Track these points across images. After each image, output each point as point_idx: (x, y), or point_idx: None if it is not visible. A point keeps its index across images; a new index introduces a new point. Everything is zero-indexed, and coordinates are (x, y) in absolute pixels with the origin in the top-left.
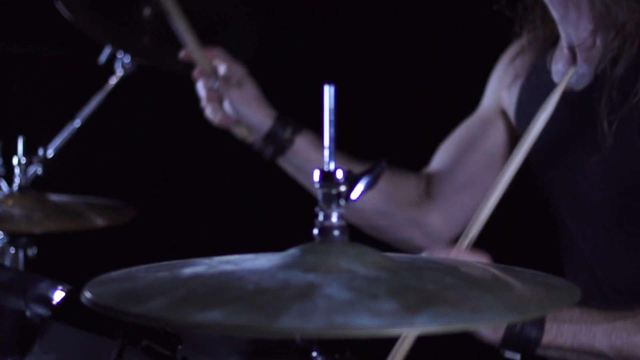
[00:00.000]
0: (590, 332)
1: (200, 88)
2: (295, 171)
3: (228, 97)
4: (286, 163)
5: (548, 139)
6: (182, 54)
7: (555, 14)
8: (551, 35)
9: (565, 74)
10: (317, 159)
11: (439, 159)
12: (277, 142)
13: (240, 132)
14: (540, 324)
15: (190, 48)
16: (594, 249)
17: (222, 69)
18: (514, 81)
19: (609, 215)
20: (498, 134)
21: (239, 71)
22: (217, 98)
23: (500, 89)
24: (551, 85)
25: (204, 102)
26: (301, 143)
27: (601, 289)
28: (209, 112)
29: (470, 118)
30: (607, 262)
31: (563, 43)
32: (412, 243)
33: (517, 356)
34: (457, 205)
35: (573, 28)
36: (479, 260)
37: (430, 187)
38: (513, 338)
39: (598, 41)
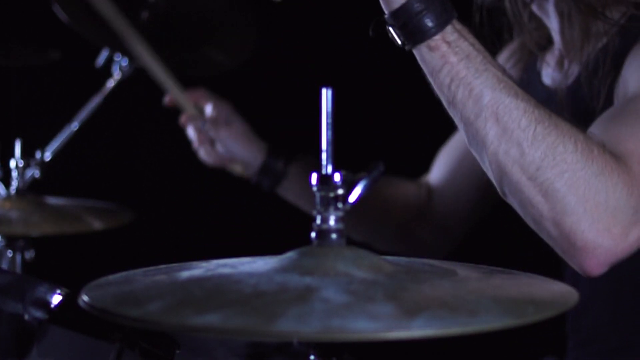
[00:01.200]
0: (484, 64)
1: (190, 132)
2: (294, 198)
3: (218, 137)
4: (284, 192)
5: None
6: (166, 100)
7: (547, 21)
8: (541, 38)
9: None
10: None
11: (438, 168)
12: (272, 173)
13: (236, 169)
14: (444, 22)
15: (174, 94)
16: None
17: (208, 109)
18: None
19: None
20: None
21: (226, 109)
22: (207, 140)
23: None
24: (541, 87)
25: (195, 145)
26: (296, 172)
27: (604, 291)
28: (202, 154)
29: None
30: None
31: (556, 45)
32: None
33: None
34: (451, 219)
35: (565, 34)
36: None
37: (425, 202)
38: (409, 14)
39: (588, 42)
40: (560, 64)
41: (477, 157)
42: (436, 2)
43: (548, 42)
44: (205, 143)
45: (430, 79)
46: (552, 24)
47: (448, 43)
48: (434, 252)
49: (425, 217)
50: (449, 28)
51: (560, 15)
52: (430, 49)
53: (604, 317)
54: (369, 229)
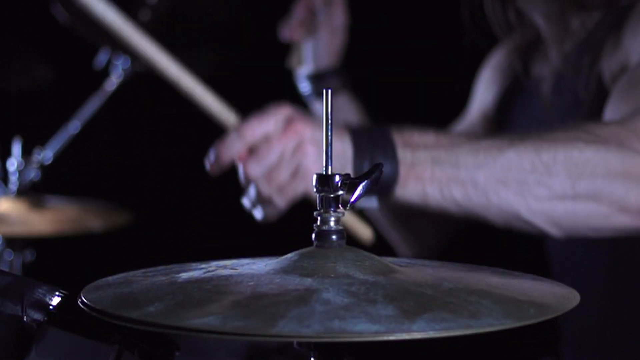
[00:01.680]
0: (453, 153)
1: (304, 6)
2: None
3: (320, 35)
4: (319, 108)
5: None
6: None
7: (533, 16)
8: (533, 37)
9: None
10: (355, 111)
11: None
12: (320, 84)
13: (294, 59)
14: (391, 154)
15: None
16: (578, 257)
17: (330, 4)
18: (497, 83)
19: None
20: None
21: (340, 19)
22: (308, 21)
23: (484, 95)
24: (528, 78)
25: (299, 17)
26: (345, 98)
27: (599, 291)
28: (296, 16)
29: (460, 124)
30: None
31: (545, 44)
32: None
33: (374, 202)
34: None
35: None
36: (275, 110)
37: None
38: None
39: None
40: (551, 61)
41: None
42: (374, 144)
43: (537, 42)
44: (305, 19)
45: (426, 205)
46: (537, 19)
47: (410, 166)
48: (434, 245)
49: (419, 217)
50: (399, 153)
51: (544, 10)
52: (403, 186)
53: (599, 316)
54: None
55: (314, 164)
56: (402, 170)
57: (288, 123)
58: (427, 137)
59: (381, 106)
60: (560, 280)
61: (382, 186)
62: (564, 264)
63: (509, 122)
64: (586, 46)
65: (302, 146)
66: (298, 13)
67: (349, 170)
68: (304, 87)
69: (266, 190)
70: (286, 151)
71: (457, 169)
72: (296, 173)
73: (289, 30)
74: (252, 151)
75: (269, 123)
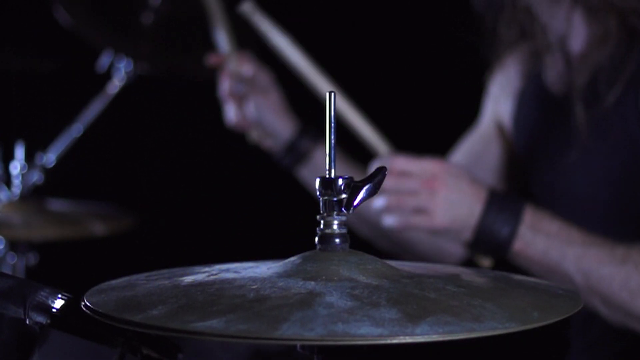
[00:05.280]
0: (562, 250)
1: (223, 85)
2: (311, 182)
3: (253, 101)
4: (304, 173)
5: (540, 142)
6: (211, 59)
7: (554, 25)
8: (543, 43)
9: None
10: (338, 171)
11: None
12: (296, 152)
13: (254, 136)
14: (514, 225)
15: (226, 49)
16: None
17: (249, 72)
18: (509, 91)
19: (609, 210)
20: (498, 150)
21: (266, 77)
22: (238, 100)
23: (497, 103)
24: (545, 92)
25: (225, 102)
26: (321, 154)
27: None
28: (229, 113)
29: (472, 135)
30: None
31: (557, 48)
32: (424, 258)
33: (487, 261)
34: None
35: (568, 37)
36: (429, 164)
37: None
38: (485, 235)
39: (592, 47)
40: (565, 69)
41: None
42: (504, 209)
43: (548, 48)
44: (234, 102)
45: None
46: (560, 26)
47: (525, 244)
48: (454, 257)
49: None
50: (521, 229)
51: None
52: (514, 255)
53: (610, 327)
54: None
55: (440, 217)
56: (517, 245)
57: (433, 177)
58: (552, 225)
59: (385, 111)
60: None
61: (494, 247)
62: None
63: (524, 127)
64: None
65: (433, 198)
66: (225, 97)
67: (472, 223)
68: (284, 163)
69: (392, 204)
70: (419, 192)
71: (560, 265)
72: (420, 211)
73: (235, 122)
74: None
75: (416, 165)
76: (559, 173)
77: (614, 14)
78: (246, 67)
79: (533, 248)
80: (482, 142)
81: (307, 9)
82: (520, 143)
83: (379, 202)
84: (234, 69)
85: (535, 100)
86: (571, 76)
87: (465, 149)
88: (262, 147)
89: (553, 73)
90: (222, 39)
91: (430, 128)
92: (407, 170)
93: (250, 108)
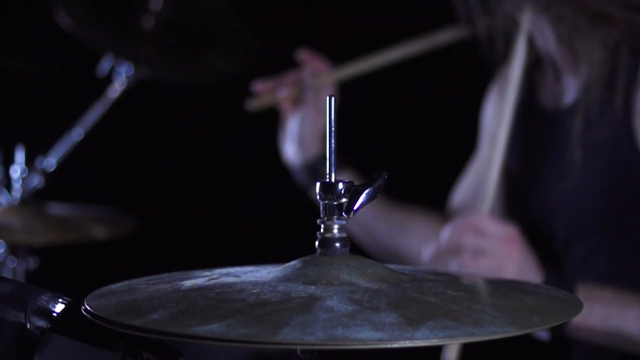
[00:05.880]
0: (622, 314)
1: (290, 78)
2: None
3: (304, 114)
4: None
5: (532, 159)
6: (315, 62)
7: (540, 39)
8: (534, 60)
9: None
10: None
11: (456, 205)
12: (314, 175)
13: (286, 138)
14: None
15: (345, 73)
16: (586, 263)
17: (322, 86)
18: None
19: (603, 228)
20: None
21: (332, 90)
22: (295, 99)
23: (491, 123)
24: (538, 109)
25: (284, 81)
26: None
27: None
28: (282, 92)
29: (475, 159)
30: (602, 273)
31: (547, 64)
32: None
33: (545, 334)
34: None
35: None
36: (508, 228)
37: None
38: None
39: (582, 58)
40: (555, 83)
41: None
42: (561, 283)
43: (539, 62)
44: (291, 98)
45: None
46: (547, 41)
47: (584, 316)
48: None
49: None
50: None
51: (557, 31)
52: (575, 330)
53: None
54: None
55: (509, 273)
56: (576, 319)
57: (510, 240)
58: (605, 294)
59: (387, 115)
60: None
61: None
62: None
63: (518, 145)
64: (610, 75)
65: (508, 260)
66: (286, 82)
67: None
68: (300, 178)
69: (468, 262)
70: (495, 252)
71: (622, 329)
72: (494, 271)
73: (263, 86)
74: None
75: (495, 226)
76: (553, 190)
77: (604, 27)
78: (325, 79)
79: (592, 318)
80: (483, 166)
81: (312, 15)
82: (514, 160)
83: (454, 263)
84: (321, 80)
85: (527, 117)
86: (561, 92)
87: (471, 174)
88: (281, 153)
89: (544, 88)
90: (350, 72)
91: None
92: (484, 230)
93: (298, 115)
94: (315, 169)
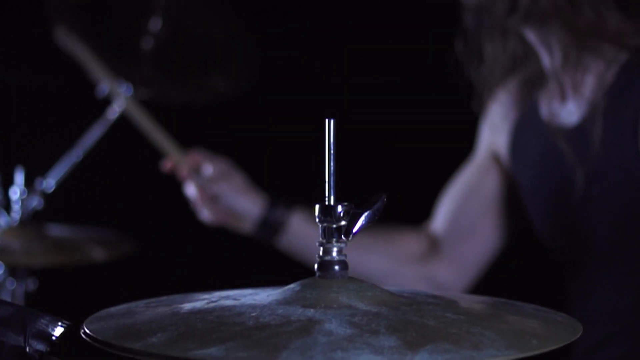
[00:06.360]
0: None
1: (190, 190)
2: (297, 249)
3: (218, 191)
4: (286, 244)
5: (543, 178)
6: (166, 165)
7: (545, 57)
8: (537, 73)
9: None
10: (315, 234)
11: (441, 212)
12: (270, 225)
13: (238, 225)
14: None
15: (172, 155)
16: (593, 283)
17: (207, 169)
18: (504, 122)
19: (610, 247)
20: (494, 181)
21: (223, 164)
22: (208, 197)
23: (492, 134)
24: (541, 122)
25: (197, 204)
26: (296, 221)
27: (601, 321)
28: (204, 213)
29: (467, 167)
30: (611, 292)
31: (551, 80)
32: None
33: None
34: (463, 255)
35: (565, 71)
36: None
37: (435, 241)
38: None
39: (588, 77)
40: (559, 100)
41: None
42: None
43: (543, 77)
44: (206, 200)
45: None
46: (554, 60)
47: None
48: (454, 287)
49: (433, 257)
50: None
51: (564, 50)
52: None
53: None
54: (382, 276)
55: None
56: None
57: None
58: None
59: (385, 138)
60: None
61: None
62: (587, 301)
63: (521, 157)
64: (618, 96)
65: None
66: (195, 201)
67: None
68: (262, 238)
69: None
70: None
71: None
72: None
73: (215, 219)
74: None
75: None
76: (558, 209)
77: (610, 49)
78: (197, 163)
79: None
80: (477, 174)
81: (311, 37)
82: (520, 176)
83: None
84: (191, 172)
85: (532, 132)
86: (568, 111)
87: (461, 181)
88: (244, 232)
89: (550, 106)
90: (166, 147)
91: (427, 160)
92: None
93: (222, 200)
94: (269, 221)
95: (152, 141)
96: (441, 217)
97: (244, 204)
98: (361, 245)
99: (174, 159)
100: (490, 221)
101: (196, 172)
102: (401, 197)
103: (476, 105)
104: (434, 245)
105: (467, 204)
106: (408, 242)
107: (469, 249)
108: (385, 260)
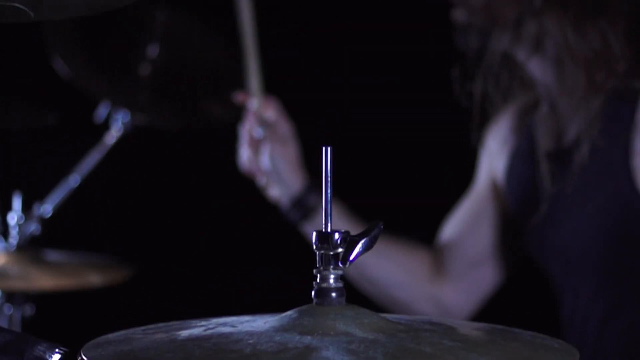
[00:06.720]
0: None
1: (244, 131)
2: None
3: (270, 150)
4: (309, 229)
5: (534, 199)
6: (238, 97)
7: (540, 81)
8: (533, 98)
9: None
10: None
11: (446, 238)
12: (303, 207)
13: (263, 183)
14: None
15: (253, 90)
16: (585, 304)
17: (271, 117)
18: (502, 148)
19: (601, 267)
20: (495, 209)
21: (287, 127)
22: (255, 144)
23: (491, 160)
24: (538, 150)
25: (242, 144)
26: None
27: (592, 344)
28: (243, 155)
29: (470, 194)
30: (600, 317)
31: (544, 104)
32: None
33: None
34: (469, 281)
35: (558, 93)
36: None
37: (440, 265)
38: None
39: (582, 97)
40: (555, 124)
41: None
42: None
43: (538, 102)
44: (251, 148)
45: None
46: (548, 81)
47: None
48: (459, 312)
49: (439, 279)
50: None
51: (557, 73)
52: None
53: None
54: (392, 287)
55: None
56: None
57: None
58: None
59: (382, 164)
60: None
61: None
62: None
63: (516, 183)
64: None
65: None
66: (244, 139)
67: None
68: (290, 215)
69: None
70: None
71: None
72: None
73: (248, 168)
74: None
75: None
76: (550, 230)
77: (604, 67)
78: (269, 112)
79: None
80: (479, 202)
81: (308, 64)
82: (513, 200)
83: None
84: (258, 111)
85: (526, 157)
86: (561, 133)
87: (464, 209)
88: (268, 196)
89: (543, 130)
90: (252, 79)
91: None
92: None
93: (266, 155)
94: (303, 202)
95: (245, 64)
96: (447, 245)
97: (287, 175)
98: (381, 251)
99: (251, 92)
100: (495, 250)
101: (261, 116)
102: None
103: (474, 137)
104: (441, 269)
105: (472, 232)
106: (421, 259)
107: (474, 278)
108: (399, 271)
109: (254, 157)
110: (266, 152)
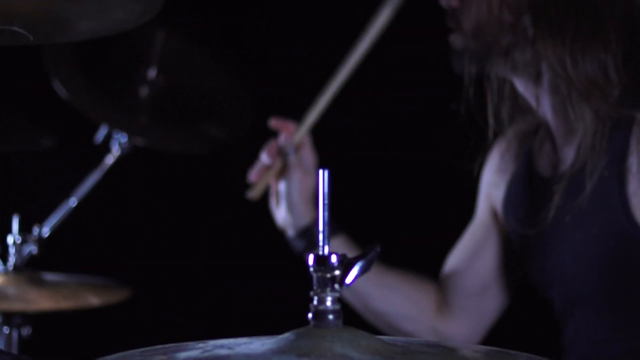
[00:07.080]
0: None
1: (274, 142)
2: None
3: (291, 176)
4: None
5: (534, 226)
6: (275, 123)
7: (537, 107)
8: (532, 124)
9: None
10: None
11: (448, 269)
12: (309, 239)
13: (275, 207)
14: None
15: (308, 123)
16: (586, 328)
17: (303, 146)
18: (501, 176)
19: (599, 294)
20: (497, 236)
21: (312, 160)
22: (279, 168)
23: (490, 188)
24: (536, 177)
25: (263, 159)
26: (333, 245)
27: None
28: (261, 163)
29: (472, 225)
30: (599, 341)
31: (545, 132)
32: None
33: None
34: (473, 313)
35: (555, 120)
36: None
37: (444, 298)
38: None
39: (580, 124)
40: (552, 151)
41: None
42: None
43: (537, 129)
44: (274, 169)
45: None
46: (544, 110)
47: None
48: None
49: (445, 313)
50: None
51: (552, 101)
52: None
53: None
54: (400, 320)
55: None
56: None
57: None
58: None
59: (380, 188)
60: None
61: None
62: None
63: (515, 211)
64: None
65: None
66: (265, 157)
67: None
68: (295, 244)
69: None
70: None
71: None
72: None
73: (255, 174)
74: None
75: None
76: (550, 256)
77: (595, 99)
78: (300, 144)
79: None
80: (480, 231)
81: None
82: (511, 227)
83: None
84: (296, 140)
85: (524, 184)
86: (559, 160)
87: (466, 240)
88: (274, 217)
89: (541, 156)
90: (315, 114)
91: (434, 217)
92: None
93: (285, 179)
94: (309, 234)
95: (318, 98)
96: (450, 277)
97: (298, 206)
98: (389, 284)
99: (304, 123)
100: (498, 279)
101: (290, 141)
102: (402, 241)
103: (475, 166)
104: (445, 303)
105: (473, 264)
106: (428, 292)
107: (478, 310)
108: (406, 304)
109: (266, 173)
110: (287, 176)
